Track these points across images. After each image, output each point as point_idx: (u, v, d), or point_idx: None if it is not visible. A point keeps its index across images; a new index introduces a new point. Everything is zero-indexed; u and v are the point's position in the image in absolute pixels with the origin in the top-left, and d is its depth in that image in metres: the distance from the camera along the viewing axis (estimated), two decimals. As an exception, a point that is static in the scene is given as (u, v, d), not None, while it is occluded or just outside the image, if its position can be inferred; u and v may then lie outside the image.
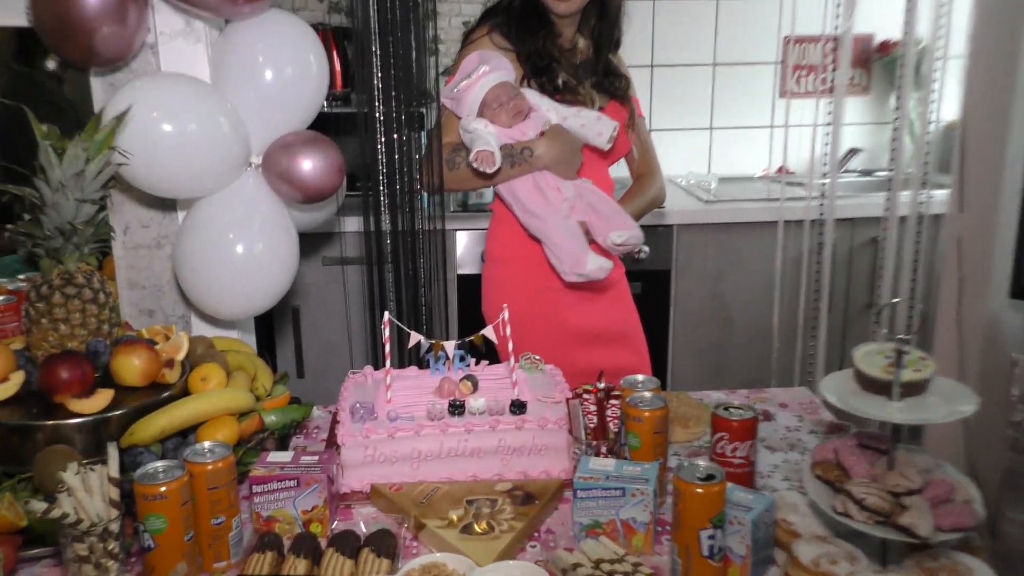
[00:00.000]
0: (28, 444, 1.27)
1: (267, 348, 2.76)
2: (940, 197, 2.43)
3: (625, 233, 1.69)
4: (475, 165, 1.65)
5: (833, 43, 3.13)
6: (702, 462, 1.07)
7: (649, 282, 2.79)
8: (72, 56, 1.52)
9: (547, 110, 1.74)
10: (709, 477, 1.04)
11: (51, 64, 1.54)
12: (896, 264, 2.40)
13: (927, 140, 2.41)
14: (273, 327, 2.79)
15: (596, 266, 1.68)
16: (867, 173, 3.27)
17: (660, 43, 3.20)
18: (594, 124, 1.73)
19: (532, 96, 1.74)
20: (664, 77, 3.24)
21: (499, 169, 1.67)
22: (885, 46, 3.15)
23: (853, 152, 3.19)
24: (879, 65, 3.21)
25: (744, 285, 2.87)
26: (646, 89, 3.22)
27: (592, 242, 1.72)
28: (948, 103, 2.54)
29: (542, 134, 1.72)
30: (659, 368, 2.90)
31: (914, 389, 1.02)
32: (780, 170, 3.28)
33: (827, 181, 2.56)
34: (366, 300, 2.61)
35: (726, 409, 1.24)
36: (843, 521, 1.02)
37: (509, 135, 1.72)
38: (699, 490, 1.03)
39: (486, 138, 1.66)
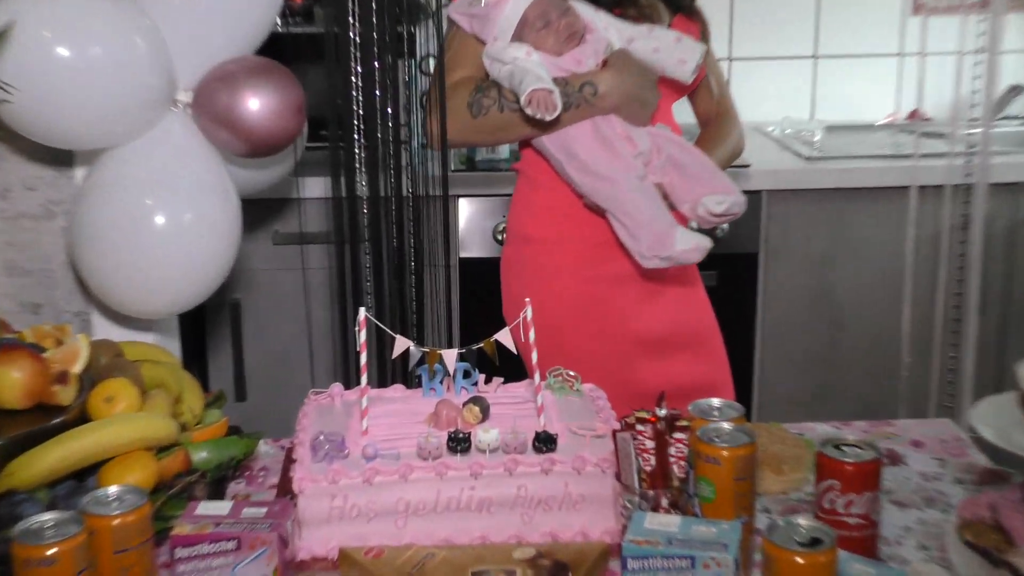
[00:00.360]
0: None
1: (196, 358, 2.76)
2: None
3: (725, 199, 1.68)
4: (529, 111, 1.63)
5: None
6: (803, 521, 1.06)
7: (728, 271, 2.77)
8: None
9: (606, 29, 1.72)
10: (814, 542, 1.02)
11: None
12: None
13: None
14: (205, 329, 2.79)
15: (689, 245, 1.67)
16: (1034, 120, 3.23)
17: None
18: (672, 48, 1.72)
19: (584, 10, 1.73)
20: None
21: (558, 116, 1.66)
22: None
23: (1015, 91, 3.15)
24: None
25: (860, 275, 2.84)
26: (725, 9, 3.21)
27: (672, 212, 1.71)
28: None
29: (604, 63, 1.71)
30: (741, 389, 2.88)
31: (1105, 422, 1.00)
32: (912, 115, 3.24)
33: (978, 131, 2.51)
34: (334, 293, 2.61)
35: (837, 447, 1.22)
36: (1004, 607, 1.00)
37: (559, 66, 1.70)
38: (799, 560, 1.01)
39: (535, 72, 1.64)
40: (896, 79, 3.29)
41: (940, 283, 2.57)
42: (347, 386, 1.57)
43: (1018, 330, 2.85)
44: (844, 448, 1.22)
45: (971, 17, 2.48)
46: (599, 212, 1.77)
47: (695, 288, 1.95)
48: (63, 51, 1.49)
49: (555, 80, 1.68)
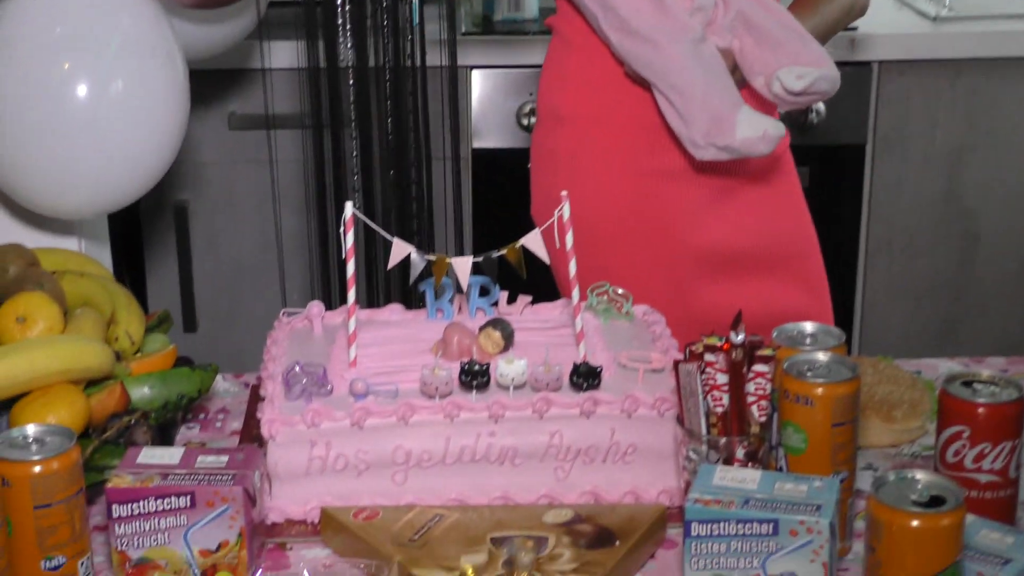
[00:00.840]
0: None
1: (132, 273, 2.77)
2: None
3: (808, 73, 1.66)
4: None
5: None
6: (922, 475, 1.07)
7: (825, 167, 2.78)
8: None
9: None
10: (935, 501, 1.04)
11: None
12: None
13: None
14: (142, 238, 2.81)
15: (755, 132, 1.65)
16: None
17: None
18: None
19: None
20: None
21: None
22: None
23: None
24: None
25: (1000, 173, 2.83)
26: None
27: (744, 87, 1.71)
28: None
29: None
30: (843, 317, 2.88)
31: None
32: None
33: None
34: (310, 191, 2.61)
35: (966, 385, 1.23)
36: None
37: None
38: (916, 523, 1.02)
39: None
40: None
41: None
42: (329, 306, 1.58)
43: None
44: (976, 386, 1.23)
45: None
46: (645, 85, 1.76)
47: (785, 190, 1.94)
48: None
49: None
